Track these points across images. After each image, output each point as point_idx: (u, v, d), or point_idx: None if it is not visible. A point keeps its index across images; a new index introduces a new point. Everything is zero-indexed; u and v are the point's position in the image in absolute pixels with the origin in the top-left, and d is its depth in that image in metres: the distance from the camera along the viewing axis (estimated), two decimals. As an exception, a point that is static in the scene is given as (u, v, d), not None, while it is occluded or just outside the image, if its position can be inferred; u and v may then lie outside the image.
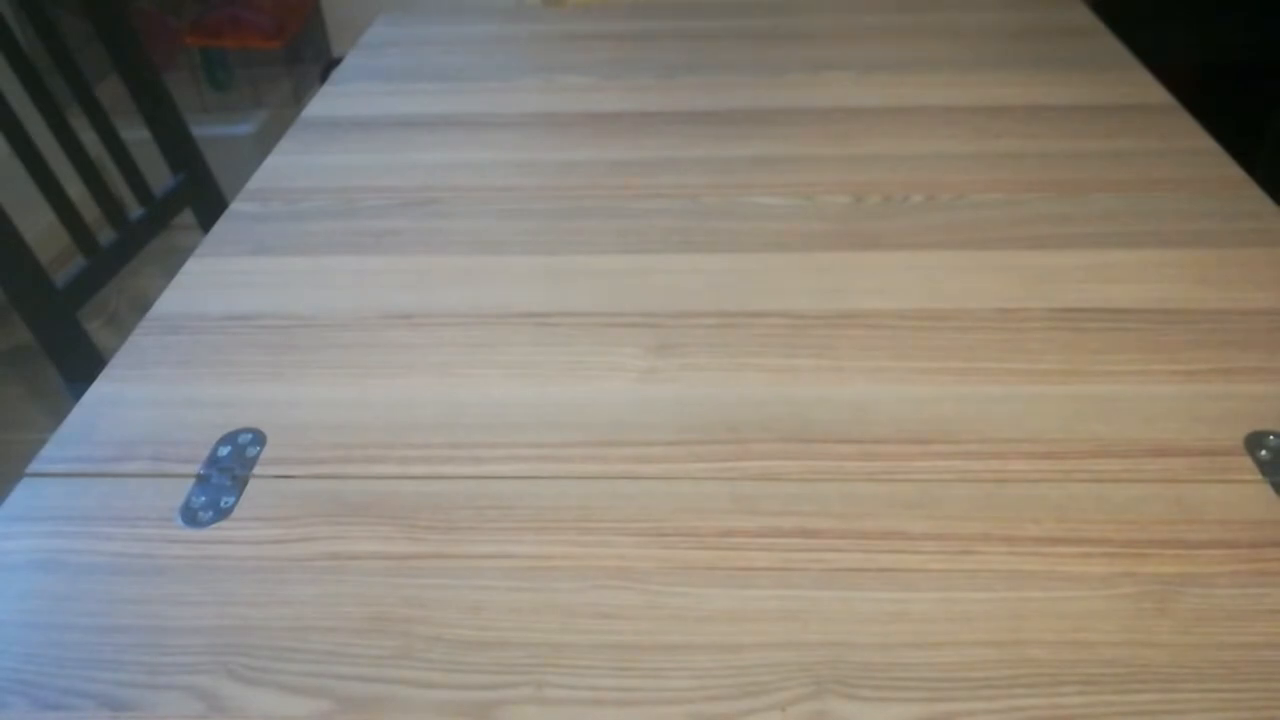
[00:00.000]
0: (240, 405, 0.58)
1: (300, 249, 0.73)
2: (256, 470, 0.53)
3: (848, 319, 0.63)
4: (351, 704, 0.42)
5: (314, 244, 0.73)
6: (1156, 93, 0.90)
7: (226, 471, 0.53)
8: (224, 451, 0.55)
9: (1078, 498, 0.50)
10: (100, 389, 0.60)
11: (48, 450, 0.56)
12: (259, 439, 0.55)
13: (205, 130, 1.33)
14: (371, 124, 0.91)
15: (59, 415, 0.58)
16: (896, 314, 0.63)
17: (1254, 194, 0.74)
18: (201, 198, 1.20)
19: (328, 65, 2.19)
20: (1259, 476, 0.51)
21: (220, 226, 0.76)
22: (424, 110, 0.93)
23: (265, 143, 1.99)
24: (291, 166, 0.85)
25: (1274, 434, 0.53)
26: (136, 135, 1.13)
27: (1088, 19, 1.07)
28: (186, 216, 1.19)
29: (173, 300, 0.68)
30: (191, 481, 0.53)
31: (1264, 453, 0.52)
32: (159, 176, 1.15)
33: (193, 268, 0.71)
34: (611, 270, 0.69)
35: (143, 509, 0.51)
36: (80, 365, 0.98)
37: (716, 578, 0.46)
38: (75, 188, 1.02)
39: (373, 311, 0.66)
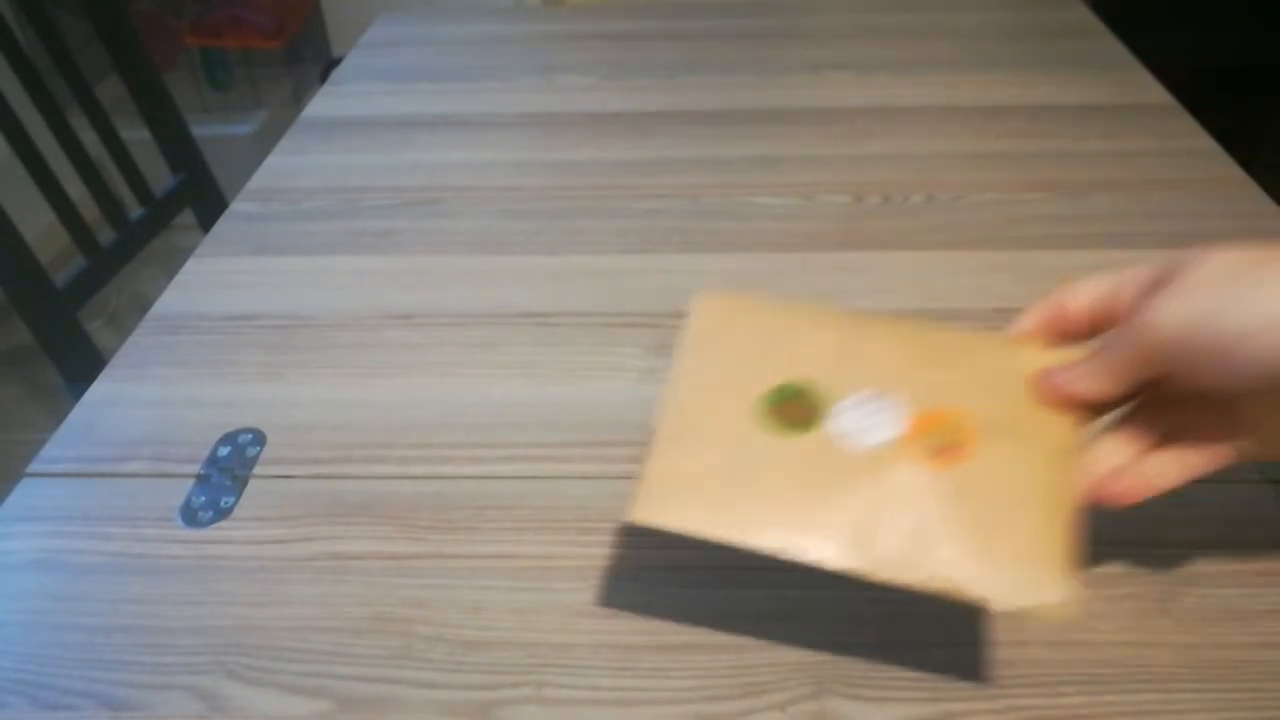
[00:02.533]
0: (240, 405, 0.58)
1: (300, 249, 0.73)
2: (256, 470, 0.53)
3: (848, 319, 0.63)
4: (351, 704, 0.42)
5: (314, 244, 0.73)
6: (1156, 93, 0.90)
7: (226, 471, 0.53)
8: (224, 451, 0.55)
9: (1078, 498, 0.50)
10: (100, 389, 0.60)
11: (48, 450, 0.56)
12: (259, 439, 0.55)
13: (205, 130, 1.33)
14: (371, 124, 0.91)
15: (59, 415, 0.58)
16: (896, 314, 0.63)
17: (1254, 194, 0.74)
18: (201, 198, 1.20)
19: (328, 65, 2.19)
20: (1259, 476, 0.50)
21: (220, 226, 0.76)
22: (424, 110, 0.93)
23: (265, 143, 1.98)
24: (291, 166, 0.85)
25: (1274, 434, 0.53)
26: (136, 135, 1.13)
27: (1088, 19, 1.07)
28: (186, 216, 1.19)
29: (173, 300, 0.68)
30: (191, 481, 0.53)
31: (1264, 453, 0.52)
32: (159, 176, 1.15)
33: (193, 268, 0.71)
34: (611, 270, 0.69)
35: (143, 509, 0.51)
36: (80, 365, 0.98)
37: (717, 577, 0.46)
38: (75, 188, 1.02)
39: (373, 311, 0.66)
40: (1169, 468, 0.39)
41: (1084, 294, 0.40)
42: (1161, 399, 0.39)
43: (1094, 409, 0.39)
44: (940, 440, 0.38)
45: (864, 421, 0.39)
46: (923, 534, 0.36)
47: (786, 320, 0.43)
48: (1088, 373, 0.39)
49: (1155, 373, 0.37)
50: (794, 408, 0.39)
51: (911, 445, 0.38)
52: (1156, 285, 0.37)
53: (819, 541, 0.36)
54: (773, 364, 0.41)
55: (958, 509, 0.37)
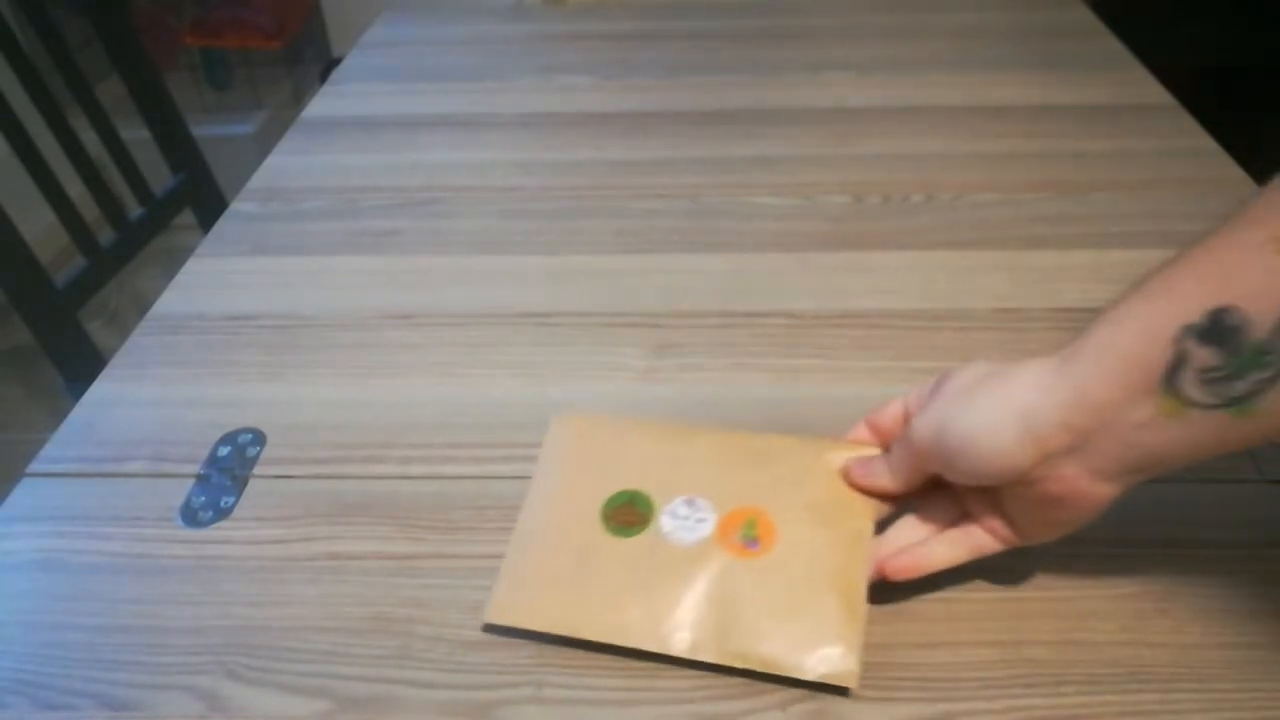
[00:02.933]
0: (240, 405, 0.58)
1: (300, 249, 0.73)
2: (256, 470, 0.53)
3: (848, 319, 0.63)
4: (351, 704, 0.42)
5: (314, 244, 0.73)
6: (1156, 93, 0.90)
7: (226, 471, 0.53)
8: (224, 451, 0.55)
9: (1078, 498, 0.50)
10: (100, 389, 0.60)
11: (48, 450, 0.56)
12: (259, 439, 0.55)
13: (205, 130, 1.33)
14: (371, 124, 0.91)
15: (59, 415, 0.58)
16: (896, 314, 0.63)
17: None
18: (201, 198, 1.20)
19: (328, 65, 2.19)
20: (1259, 476, 0.51)
21: (220, 226, 0.76)
22: (424, 110, 0.93)
23: (265, 143, 1.98)
24: (291, 166, 0.85)
25: (1274, 434, 0.53)
26: (136, 135, 1.13)
27: (1088, 19, 1.07)
28: (186, 216, 1.19)
29: (173, 300, 0.68)
30: (191, 481, 0.53)
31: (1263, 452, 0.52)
32: (159, 176, 1.15)
33: (193, 268, 0.71)
34: (611, 270, 0.69)
35: (143, 509, 0.51)
36: (80, 365, 0.98)
37: (716, 578, 0.46)
38: (75, 188, 1.02)
39: (373, 311, 0.66)
40: (954, 547, 0.44)
41: (889, 411, 0.46)
42: (948, 489, 0.44)
43: (892, 499, 0.45)
44: (745, 534, 0.44)
45: (683, 522, 0.45)
46: (731, 619, 0.42)
47: (626, 436, 0.49)
48: (878, 470, 0.45)
49: (927, 470, 0.43)
50: (627, 512, 0.46)
51: (722, 540, 0.44)
52: (928, 399, 0.43)
53: (645, 632, 0.42)
54: (612, 475, 0.47)
55: (760, 594, 0.43)
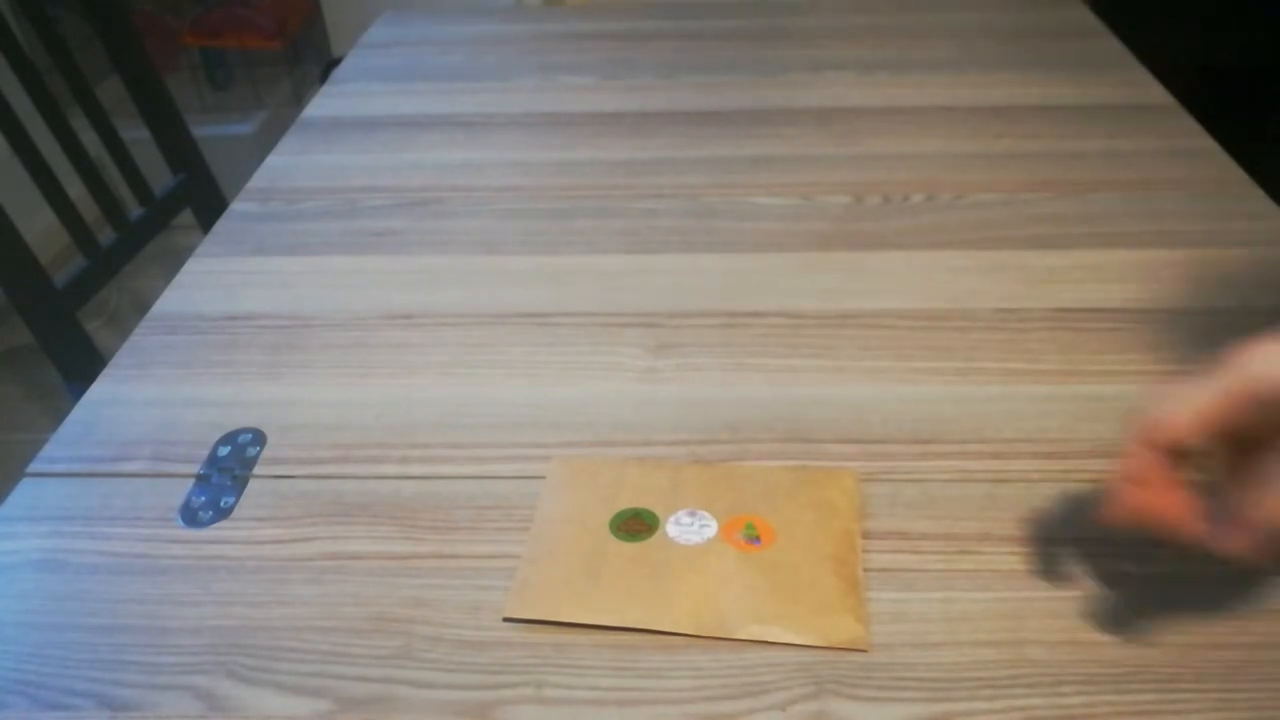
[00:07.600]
0: (240, 405, 0.58)
1: (300, 249, 0.73)
2: (256, 470, 0.53)
3: (847, 319, 0.63)
4: (351, 704, 0.42)
5: (314, 244, 0.73)
6: (1156, 93, 0.90)
7: (226, 471, 0.53)
8: (224, 451, 0.55)
9: (1077, 498, 0.50)
10: (100, 389, 0.60)
11: (48, 450, 0.56)
12: (259, 439, 0.55)
13: (205, 130, 1.33)
14: (371, 124, 0.91)
15: (59, 415, 0.58)
16: (896, 314, 0.63)
17: (1254, 194, 0.74)
18: (201, 198, 1.20)
19: (328, 65, 2.19)
20: (1259, 476, 0.50)
21: (220, 226, 0.76)
22: (424, 110, 0.93)
23: (265, 143, 1.98)
24: (291, 166, 0.85)
25: (1274, 434, 0.53)
26: (136, 135, 1.13)
27: (1088, 19, 1.07)
28: (186, 216, 1.19)
29: (173, 300, 0.68)
30: (191, 481, 0.53)
31: (1264, 453, 0.52)
32: (159, 176, 1.15)
33: (193, 268, 0.71)
34: (611, 270, 0.69)
35: (143, 509, 0.51)
36: (80, 365, 0.98)
37: (716, 578, 0.46)
38: (75, 188, 1.02)
39: (373, 311, 0.66)
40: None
41: (1177, 420, 0.38)
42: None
43: (1168, 439, 0.39)
44: (747, 534, 0.48)
45: (687, 528, 0.49)
46: (743, 598, 0.45)
47: (624, 470, 0.52)
48: (1179, 397, 0.38)
49: (1235, 418, 0.37)
50: (635, 523, 0.49)
51: (726, 539, 0.48)
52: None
53: (659, 614, 0.44)
54: (615, 498, 0.51)
55: (767, 578, 0.46)
